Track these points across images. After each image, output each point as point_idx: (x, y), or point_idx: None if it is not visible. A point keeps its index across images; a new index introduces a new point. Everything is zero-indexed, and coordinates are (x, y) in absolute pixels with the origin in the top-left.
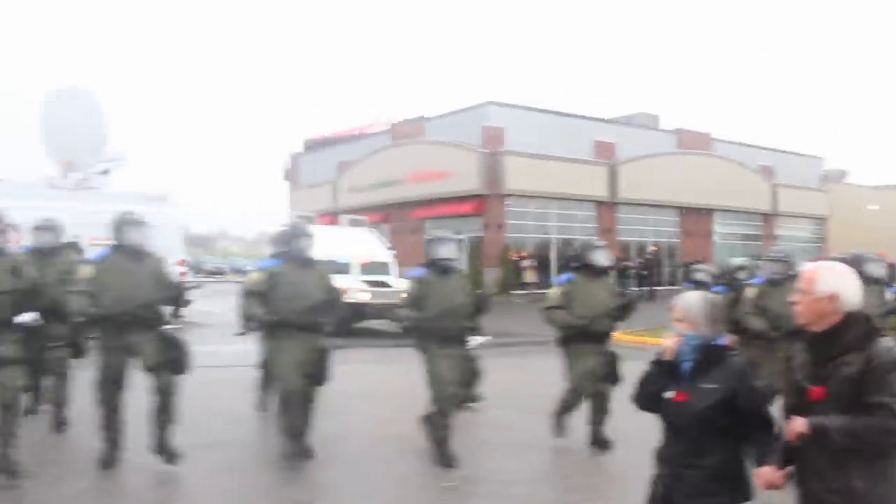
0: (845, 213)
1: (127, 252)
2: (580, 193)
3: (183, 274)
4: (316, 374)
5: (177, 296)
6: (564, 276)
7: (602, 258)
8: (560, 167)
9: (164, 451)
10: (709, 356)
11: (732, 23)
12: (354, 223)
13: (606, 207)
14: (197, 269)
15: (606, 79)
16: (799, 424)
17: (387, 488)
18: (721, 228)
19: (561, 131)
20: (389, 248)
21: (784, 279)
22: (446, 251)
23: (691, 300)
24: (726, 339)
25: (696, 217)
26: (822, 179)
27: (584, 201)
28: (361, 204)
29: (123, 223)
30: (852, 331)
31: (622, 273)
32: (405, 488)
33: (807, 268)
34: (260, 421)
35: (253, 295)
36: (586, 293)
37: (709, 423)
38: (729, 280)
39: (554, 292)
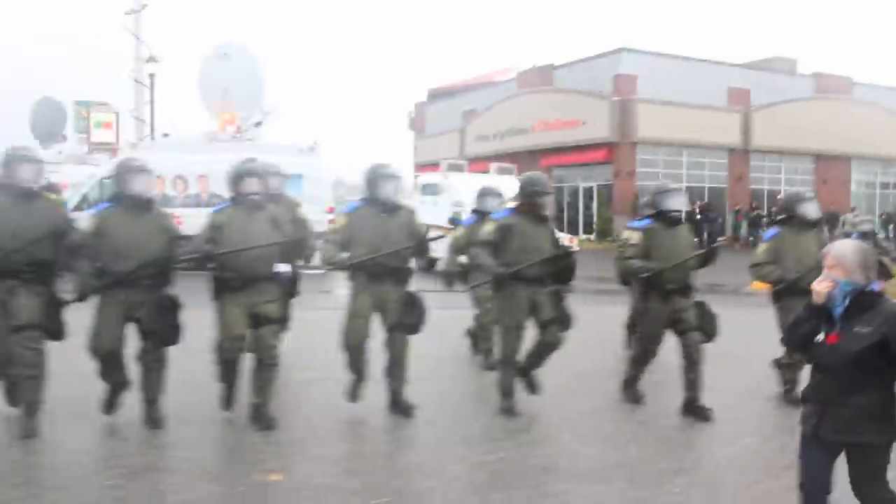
0: None
1: (378, 204)
2: (712, 141)
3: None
4: (560, 318)
5: (424, 248)
6: (771, 231)
7: (812, 210)
8: (692, 114)
9: (399, 405)
10: (861, 301)
11: None
12: (503, 171)
13: (738, 155)
14: None
15: (741, 22)
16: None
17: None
18: (859, 176)
19: (693, 77)
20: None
21: None
22: (676, 202)
23: (844, 248)
24: (879, 286)
25: (832, 164)
26: None
27: (716, 149)
28: (488, 152)
29: (377, 176)
30: (867, 297)
31: (753, 223)
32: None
33: (833, 246)
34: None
35: (485, 245)
36: (796, 247)
37: (860, 364)
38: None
39: (761, 248)
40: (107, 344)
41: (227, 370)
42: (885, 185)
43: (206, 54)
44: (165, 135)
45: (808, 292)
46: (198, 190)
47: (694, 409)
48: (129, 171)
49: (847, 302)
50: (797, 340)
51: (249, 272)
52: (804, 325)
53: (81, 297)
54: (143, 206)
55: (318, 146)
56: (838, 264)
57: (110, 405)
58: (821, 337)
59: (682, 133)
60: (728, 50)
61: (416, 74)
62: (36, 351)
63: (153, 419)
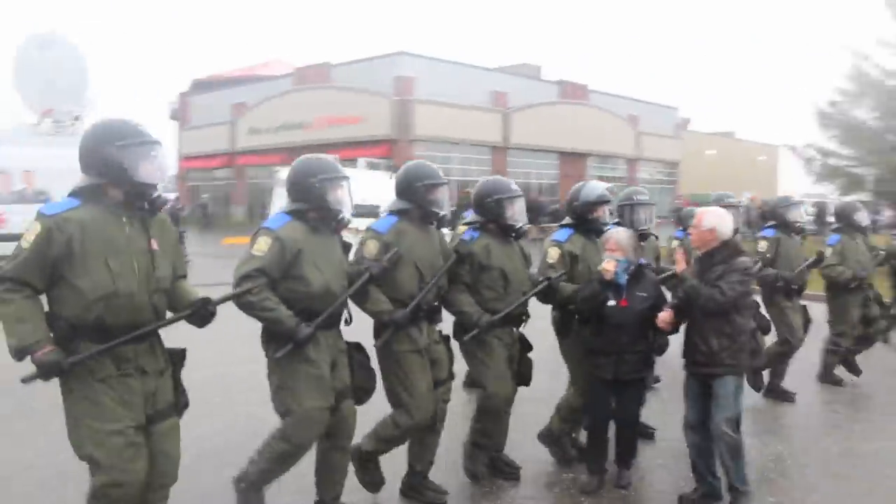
0: (689, 158)
1: None
2: (479, 139)
3: None
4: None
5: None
6: (835, 237)
7: (863, 218)
8: (461, 114)
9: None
10: (637, 274)
11: None
12: (372, 166)
13: (499, 152)
14: None
15: (497, 29)
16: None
17: None
18: (594, 172)
19: (462, 80)
20: None
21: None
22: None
23: (621, 235)
24: (645, 260)
25: (573, 161)
26: (677, 127)
27: (481, 146)
28: (263, 146)
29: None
30: (723, 252)
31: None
32: None
33: (697, 211)
34: None
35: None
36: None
37: (643, 319)
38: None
39: (829, 251)
40: None
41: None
42: (612, 180)
43: (23, 43)
44: None
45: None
46: (24, 185)
47: None
48: None
49: (628, 275)
50: (591, 308)
51: None
52: (599, 296)
53: None
54: None
55: None
56: (619, 248)
57: None
58: (612, 302)
59: (453, 132)
60: (486, 55)
61: (177, 64)
62: None
63: None
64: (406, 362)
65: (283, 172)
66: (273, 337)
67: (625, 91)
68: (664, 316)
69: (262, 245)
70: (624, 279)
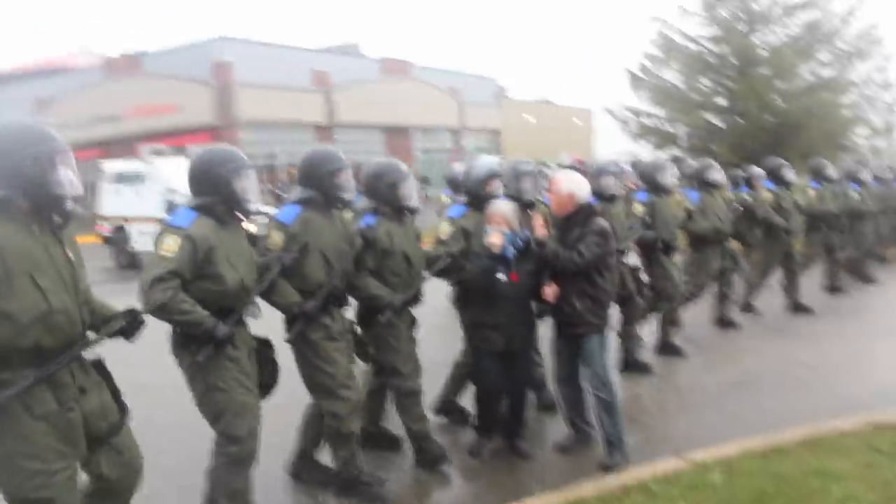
0: (510, 126)
1: None
2: (303, 120)
3: None
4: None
5: None
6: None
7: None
8: (285, 96)
9: None
10: (525, 246)
11: None
12: (157, 153)
13: (324, 131)
14: None
15: (316, 9)
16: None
17: None
18: (421, 144)
19: (283, 62)
20: None
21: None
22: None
23: (506, 208)
24: (528, 233)
25: (399, 136)
26: (496, 96)
27: (306, 127)
28: (76, 140)
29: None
30: (580, 215)
31: None
32: None
33: (555, 175)
34: None
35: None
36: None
37: (530, 292)
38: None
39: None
40: None
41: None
42: (441, 151)
43: None
44: None
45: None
46: None
47: None
48: None
49: (515, 248)
50: (486, 282)
51: None
52: (491, 271)
53: None
54: None
55: None
56: (504, 220)
57: None
58: (503, 277)
59: (277, 114)
60: (307, 35)
61: None
62: None
63: None
64: (323, 349)
65: (109, 165)
66: (189, 341)
67: (445, 65)
68: (550, 291)
69: (172, 245)
70: (511, 252)
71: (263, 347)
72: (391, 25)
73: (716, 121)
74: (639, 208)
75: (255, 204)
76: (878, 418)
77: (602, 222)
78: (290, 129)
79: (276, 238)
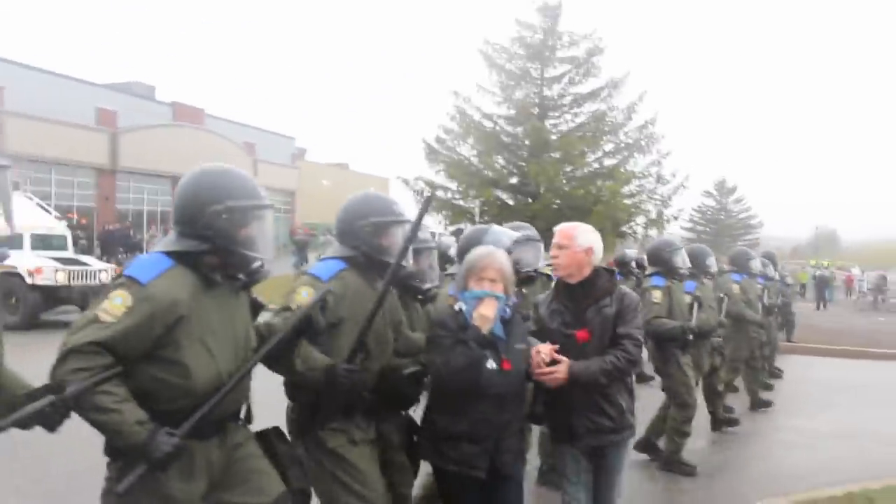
0: (306, 188)
1: None
2: (82, 160)
3: None
4: None
5: None
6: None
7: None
8: (62, 131)
9: None
10: (513, 318)
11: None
12: None
13: (106, 175)
14: None
15: (105, 44)
16: (562, 373)
17: None
18: None
19: (63, 94)
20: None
21: None
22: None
23: (503, 259)
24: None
25: None
26: (293, 157)
27: (85, 168)
28: None
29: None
30: (603, 279)
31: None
32: None
33: (564, 225)
34: None
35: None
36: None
37: (523, 383)
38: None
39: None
40: None
41: None
42: None
43: None
44: None
45: None
46: None
47: None
48: None
49: (503, 321)
50: (469, 376)
51: None
52: (477, 358)
53: None
54: None
55: None
56: (501, 278)
57: None
58: (492, 365)
59: (50, 150)
60: (93, 71)
61: None
62: None
63: None
64: (348, 454)
65: None
66: (117, 453)
67: (242, 118)
68: (562, 369)
69: (118, 305)
70: (499, 327)
71: (278, 441)
72: (188, 71)
73: (507, 198)
74: (656, 294)
75: (266, 263)
76: None
77: (631, 292)
78: (67, 170)
79: (304, 297)
